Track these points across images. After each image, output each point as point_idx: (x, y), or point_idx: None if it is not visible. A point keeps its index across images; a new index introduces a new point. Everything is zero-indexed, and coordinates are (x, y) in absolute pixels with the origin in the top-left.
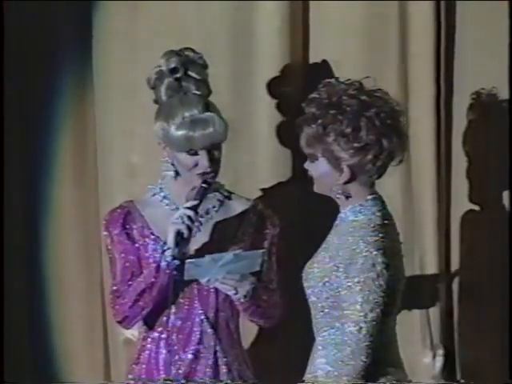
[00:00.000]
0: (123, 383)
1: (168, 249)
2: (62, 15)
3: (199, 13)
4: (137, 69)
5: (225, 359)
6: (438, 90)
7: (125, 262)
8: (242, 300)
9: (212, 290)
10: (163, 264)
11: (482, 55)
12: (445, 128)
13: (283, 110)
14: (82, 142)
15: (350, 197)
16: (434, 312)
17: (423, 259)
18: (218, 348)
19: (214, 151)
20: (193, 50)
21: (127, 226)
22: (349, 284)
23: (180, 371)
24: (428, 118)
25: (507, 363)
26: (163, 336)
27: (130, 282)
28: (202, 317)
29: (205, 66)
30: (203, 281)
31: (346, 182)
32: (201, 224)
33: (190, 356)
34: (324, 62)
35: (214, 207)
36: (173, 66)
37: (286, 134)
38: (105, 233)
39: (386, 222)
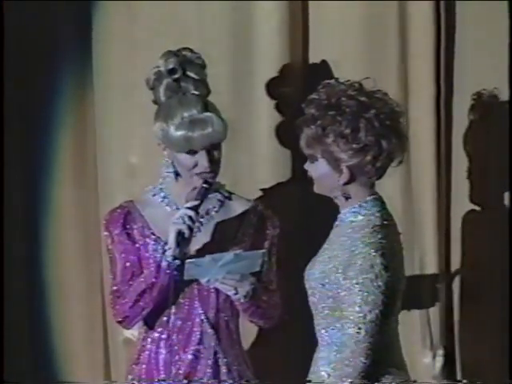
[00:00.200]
0: (123, 383)
1: (169, 249)
2: (62, 15)
3: (199, 13)
4: (137, 69)
5: (225, 359)
6: (438, 90)
7: (125, 262)
8: (242, 300)
9: (212, 290)
10: (164, 264)
11: (481, 55)
12: (445, 128)
13: (283, 110)
14: (82, 142)
15: (350, 198)
16: (434, 312)
17: (423, 259)
18: (218, 348)
19: (213, 151)
20: (191, 50)
21: (127, 226)
22: (348, 285)
23: (180, 371)
24: (428, 118)
25: (507, 363)
26: (163, 336)
27: (130, 282)
28: (203, 317)
29: (203, 66)
30: (203, 281)
31: (346, 183)
32: (201, 224)
33: (190, 356)
34: (323, 61)
35: (214, 207)
36: (171, 66)
37: (286, 134)
38: (105, 233)
39: (385, 222)
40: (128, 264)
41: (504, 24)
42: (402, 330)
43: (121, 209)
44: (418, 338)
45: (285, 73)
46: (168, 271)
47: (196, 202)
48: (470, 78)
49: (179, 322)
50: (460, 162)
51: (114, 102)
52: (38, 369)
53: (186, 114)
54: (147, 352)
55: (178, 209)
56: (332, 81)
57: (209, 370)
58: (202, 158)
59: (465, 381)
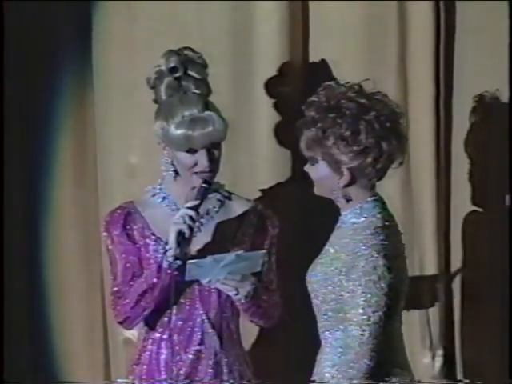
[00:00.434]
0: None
1: (170, 249)
2: (62, 15)
3: (199, 13)
4: (137, 69)
5: (226, 359)
6: (438, 90)
7: (125, 262)
8: (243, 300)
9: (213, 291)
10: (165, 264)
11: (481, 55)
12: (444, 128)
13: (283, 110)
14: (82, 142)
15: (351, 200)
16: (434, 312)
17: (423, 259)
18: (218, 348)
19: (213, 150)
20: (192, 50)
21: (128, 227)
22: (351, 287)
23: (181, 372)
24: (427, 119)
25: (507, 363)
26: (164, 336)
27: (131, 283)
28: (204, 317)
29: (204, 66)
30: (204, 281)
31: (346, 185)
32: (201, 224)
33: (191, 356)
34: (323, 61)
35: (214, 207)
36: (172, 65)
37: (286, 134)
38: (105, 234)
39: (387, 223)
40: (128, 265)
41: (504, 24)
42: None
43: (121, 209)
44: (418, 338)
45: (284, 72)
46: (169, 271)
47: (196, 202)
48: (470, 79)
49: (180, 323)
50: (459, 163)
51: (114, 101)
52: (37, 369)
53: (186, 113)
54: (148, 352)
55: (178, 209)
56: (331, 83)
57: (210, 370)
58: (201, 157)
59: (465, 381)
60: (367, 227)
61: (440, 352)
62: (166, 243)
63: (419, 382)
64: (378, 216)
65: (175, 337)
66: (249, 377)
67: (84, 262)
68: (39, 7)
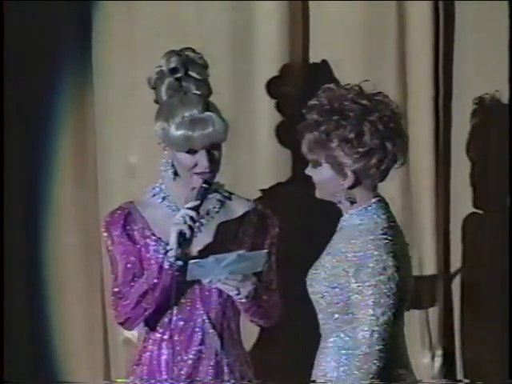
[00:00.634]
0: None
1: (171, 249)
2: (62, 15)
3: (199, 13)
4: (136, 69)
5: (226, 359)
6: (437, 91)
7: (126, 263)
8: (244, 300)
9: (214, 291)
10: (166, 265)
11: (481, 56)
12: (443, 129)
13: (283, 110)
14: (82, 142)
15: (355, 202)
16: (433, 312)
17: (422, 260)
18: (219, 348)
19: (213, 151)
20: (193, 50)
21: (128, 227)
22: (359, 288)
23: (182, 372)
24: (427, 119)
25: (507, 363)
26: (165, 337)
27: (131, 284)
28: (204, 317)
29: (205, 66)
30: (205, 281)
31: (350, 187)
32: (202, 225)
33: (191, 357)
34: (323, 61)
35: (214, 208)
36: (173, 65)
37: (286, 135)
38: (105, 234)
39: (392, 224)
40: (129, 265)
41: (504, 25)
42: None
43: (121, 210)
44: (417, 338)
45: (285, 72)
46: (170, 272)
47: (196, 202)
48: (470, 79)
49: (181, 323)
50: (459, 163)
51: (114, 101)
52: (37, 369)
53: (186, 114)
54: (149, 353)
55: (178, 209)
56: (331, 85)
57: (211, 371)
58: (201, 158)
59: (465, 381)
60: (374, 228)
61: (439, 352)
62: (167, 244)
63: (419, 381)
64: (383, 217)
65: (176, 337)
66: (249, 377)
67: (84, 262)
68: (39, 7)
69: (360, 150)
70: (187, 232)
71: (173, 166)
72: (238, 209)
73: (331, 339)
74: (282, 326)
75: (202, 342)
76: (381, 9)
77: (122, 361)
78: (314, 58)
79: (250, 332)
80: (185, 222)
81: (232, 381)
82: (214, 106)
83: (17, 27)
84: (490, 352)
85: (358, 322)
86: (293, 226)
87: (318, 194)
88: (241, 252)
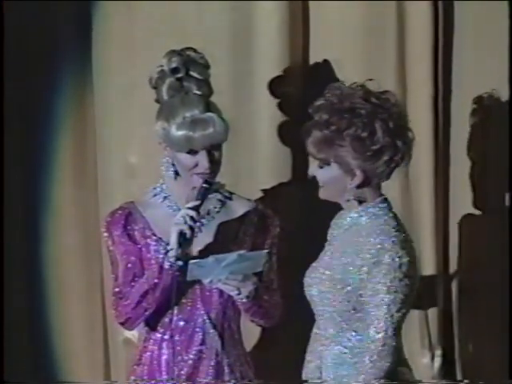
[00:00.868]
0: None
1: (171, 249)
2: (62, 15)
3: (199, 13)
4: (136, 69)
5: (227, 360)
6: (437, 91)
7: (127, 263)
8: (245, 300)
9: (215, 291)
10: (166, 265)
11: (481, 55)
12: (443, 128)
13: (283, 110)
14: (82, 142)
15: (364, 201)
16: (433, 312)
17: (421, 259)
18: (220, 349)
19: (214, 151)
20: (194, 50)
21: (128, 227)
22: (374, 285)
23: (182, 372)
24: (426, 118)
25: (507, 363)
26: (166, 337)
27: (132, 284)
28: (205, 317)
29: (206, 66)
30: (206, 281)
31: (359, 186)
32: (202, 225)
33: (192, 357)
34: (323, 61)
35: (215, 208)
36: (174, 65)
37: (286, 135)
38: (106, 234)
39: (399, 221)
40: (129, 265)
41: (504, 25)
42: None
43: (122, 210)
44: (417, 338)
45: (285, 72)
46: (170, 272)
47: (197, 202)
48: (469, 79)
49: (181, 323)
50: (458, 163)
51: (114, 101)
52: (37, 369)
53: (187, 114)
54: (149, 353)
55: (178, 209)
56: (337, 84)
57: (211, 371)
58: (202, 158)
59: (465, 381)
60: (385, 226)
61: (439, 352)
62: (168, 244)
63: (419, 381)
64: (391, 215)
65: (176, 337)
66: (250, 377)
67: (84, 262)
68: (39, 7)
69: (373, 147)
70: (188, 232)
71: (173, 165)
72: (238, 209)
73: (337, 340)
74: (282, 326)
75: (203, 342)
76: (381, 9)
77: (122, 361)
78: (314, 57)
79: (250, 332)
80: (185, 222)
81: (232, 381)
82: (215, 106)
83: (17, 27)
84: (490, 352)
85: (370, 320)
86: (293, 225)
87: (323, 195)
88: (241, 252)
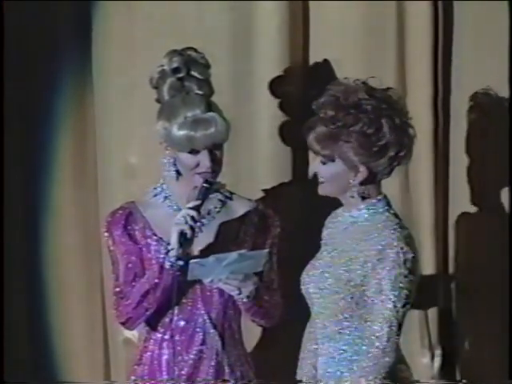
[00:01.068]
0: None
1: (172, 249)
2: (62, 15)
3: (199, 13)
4: (136, 69)
5: (227, 359)
6: (436, 90)
7: (127, 262)
8: (246, 300)
9: (215, 291)
10: (167, 265)
11: (481, 55)
12: (443, 128)
13: (283, 110)
14: (82, 142)
15: (367, 197)
16: (433, 312)
17: (422, 259)
18: (220, 348)
19: (215, 151)
20: (195, 50)
21: (129, 227)
22: (379, 281)
23: (183, 372)
24: (426, 118)
25: (507, 363)
26: (166, 337)
27: (133, 283)
28: (205, 317)
29: (207, 66)
30: (206, 281)
31: (363, 182)
32: (203, 224)
33: (192, 357)
34: (323, 61)
35: (215, 208)
36: (175, 65)
37: (287, 135)
38: (106, 234)
39: (400, 218)
40: (130, 265)
41: (504, 25)
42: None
43: (122, 210)
44: (417, 338)
45: (285, 72)
46: (171, 272)
47: (197, 202)
48: (469, 79)
49: (182, 323)
50: (458, 163)
51: (114, 101)
52: (37, 369)
53: (189, 114)
54: (149, 353)
55: (179, 209)
56: (341, 80)
57: (211, 371)
58: (204, 158)
59: (464, 381)
60: (387, 222)
61: (439, 352)
62: (168, 243)
63: (418, 381)
64: (392, 211)
65: (177, 337)
66: (250, 377)
67: (84, 262)
68: (39, 7)
69: (378, 143)
70: (188, 232)
71: (175, 165)
72: (239, 209)
73: (334, 337)
74: (282, 326)
75: (203, 342)
76: (381, 9)
77: (122, 361)
78: (314, 57)
79: (250, 332)
80: (186, 222)
81: (233, 381)
82: (216, 106)
83: (17, 27)
84: (490, 352)
85: (374, 316)
86: (294, 225)
87: (324, 191)
88: (242, 251)
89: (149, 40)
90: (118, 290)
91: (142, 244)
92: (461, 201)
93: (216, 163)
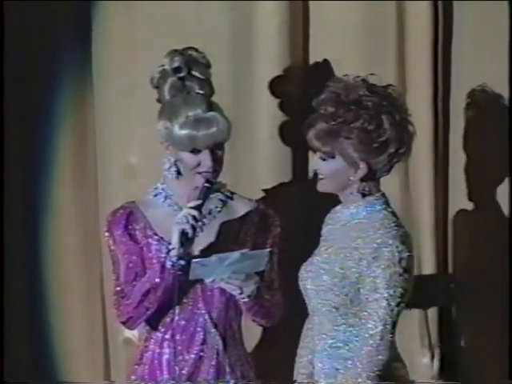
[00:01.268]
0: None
1: (173, 249)
2: (62, 15)
3: (199, 13)
4: (136, 69)
5: (228, 359)
6: (436, 90)
7: (128, 262)
8: (247, 299)
9: (216, 290)
10: (168, 264)
11: (481, 55)
12: (442, 128)
13: (283, 109)
14: (82, 142)
15: (367, 194)
16: (433, 312)
17: (422, 259)
18: (221, 348)
19: (216, 151)
20: (196, 50)
21: (130, 227)
22: (373, 280)
23: (183, 371)
24: (426, 118)
25: (507, 363)
26: (167, 336)
27: (134, 283)
28: (206, 317)
29: (208, 66)
30: (208, 280)
31: (363, 179)
32: (204, 224)
33: (193, 356)
34: (323, 61)
35: (216, 207)
36: (176, 65)
37: (287, 134)
38: (107, 233)
39: (397, 216)
40: (131, 264)
41: (504, 25)
42: (400, 330)
43: (123, 209)
44: (417, 338)
45: (285, 72)
46: (172, 271)
47: (199, 202)
48: (469, 79)
49: (183, 322)
50: (458, 161)
51: (114, 101)
52: (37, 369)
53: (190, 113)
54: (150, 352)
55: (180, 209)
56: (341, 77)
57: (212, 370)
58: (205, 158)
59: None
60: (384, 220)
61: (438, 352)
62: (169, 243)
63: (414, 382)
64: (389, 209)
65: (178, 336)
66: (251, 377)
67: (84, 262)
68: (39, 7)
69: (378, 140)
70: (189, 231)
71: (176, 165)
72: (240, 208)
73: (331, 334)
74: (282, 326)
75: (204, 342)
76: (381, 9)
77: (122, 361)
78: (314, 57)
79: (251, 332)
80: (187, 222)
81: (233, 380)
82: (217, 106)
83: (17, 27)
84: (490, 352)
85: (368, 314)
86: (294, 225)
87: (324, 187)
88: (244, 251)
89: (149, 40)
90: (118, 289)
91: (143, 243)
92: (461, 201)
93: (217, 163)
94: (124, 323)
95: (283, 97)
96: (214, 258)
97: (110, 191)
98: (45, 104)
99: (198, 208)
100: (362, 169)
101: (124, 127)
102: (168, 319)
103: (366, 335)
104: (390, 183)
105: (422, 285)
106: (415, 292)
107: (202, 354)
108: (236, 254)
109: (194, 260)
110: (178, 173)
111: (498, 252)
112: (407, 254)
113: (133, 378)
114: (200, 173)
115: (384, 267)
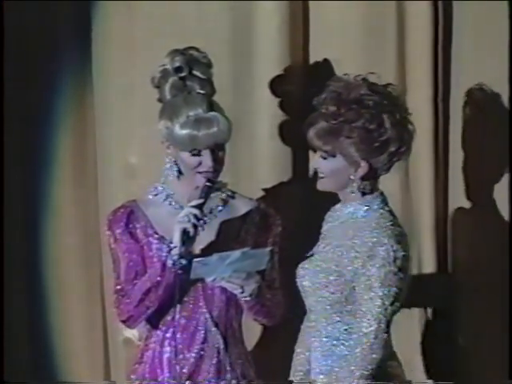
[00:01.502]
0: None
1: (174, 247)
2: (62, 15)
3: (199, 13)
4: (136, 69)
5: (228, 358)
6: (436, 91)
7: (128, 261)
8: (248, 298)
9: (217, 289)
10: (169, 263)
11: (481, 55)
12: (442, 128)
13: (284, 109)
14: (82, 142)
15: (367, 193)
16: (433, 312)
17: (422, 259)
18: (222, 347)
19: (217, 151)
20: (197, 49)
21: (130, 226)
22: (368, 279)
23: (184, 370)
24: (426, 118)
25: (507, 363)
26: (168, 335)
27: (134, 282)
28: (207, 315)
29: (209, 65)
30: (209, 279)
31: (364, 178)
32: (205, 223)
33: (194, 355)
34: (323, 61)
35: (217, 206)
36: (177, 64)
37: (287, 134)
38: (108, 232)
39: (395, 216)
40: (131, 263)
41: (504, 25)
42: (400, 330)
43: (124, 208)
44: (416, 337)
45: (285, 72)
46: (173, 270)
47: (200, 201)
48: (469, 79)
49: (184, 321)
50: (458, 162)
51: (114, 102)
52: (37, 369)
53: (191, 113)
54: (151, 351)
55: (181, 208)
56: (342, 76)
57: (212, 369)
58: (206, 157)
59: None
60: (381, 219)
61: (438, 352)
62: (170, 242)
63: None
64: (387, 208)
65: (178, 335)
66: (251, 376)
67: (84, 262)
68: (39, 7)
69: (380, 139)
70: (191, 230)
71: (176, 164)
72: (240, 208)
73: (327, 331)
74: (283, 325)
75: (205, 341)
76: (381, 9)
77: (122, 361)
78: (314, 57)
79: (251, 331)
80: (189, 221)
81: (233, 380)
82: (218, 106)
83: (17, 27)
84: (490, 352)
85: (363, 313)
86: (295, 224)
87: (324, 186)
88: (244, 250)
89: (149, 40)
90: (119, 288)
91: (144, 242)
92: (461, 201)
93: (218, 162)
94: (124, 322)
95: (283, 96)
96: (214, 256)
97: (110, 191)
98: (45, 104)
99: (200, 207)
100: (363, 168)
101: (124, 127)
102: (169, 318)
103: (361, 333)
104: (390, 182)
105: (422, 285)
106: (415, 292)
107: (202, 352)
108: (237, 253)
109: (195, 259)
110: (179, 172)
111: (497, 252)
112: (402, 253)
113: (133, 377)
114: (200, 172)
115: (379, 266)
